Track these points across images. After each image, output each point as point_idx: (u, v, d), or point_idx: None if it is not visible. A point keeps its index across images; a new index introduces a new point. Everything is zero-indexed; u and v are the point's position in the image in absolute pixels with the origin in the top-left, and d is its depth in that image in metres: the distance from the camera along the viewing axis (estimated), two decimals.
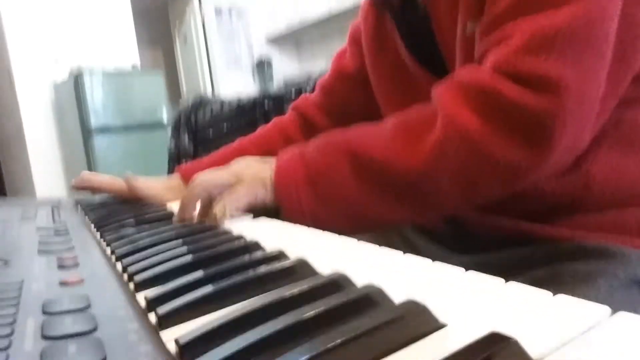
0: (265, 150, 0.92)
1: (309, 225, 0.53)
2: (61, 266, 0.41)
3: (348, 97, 0.98)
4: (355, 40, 0.96)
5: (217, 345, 0.24)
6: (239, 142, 0.99)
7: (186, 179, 0.87)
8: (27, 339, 0.27)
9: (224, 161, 0.74)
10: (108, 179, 0.90)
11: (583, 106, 0.55)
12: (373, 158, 0.61)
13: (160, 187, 0.88)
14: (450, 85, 0.61)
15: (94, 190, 0.91)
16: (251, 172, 0.65)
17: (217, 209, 0.60)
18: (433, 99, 0.62)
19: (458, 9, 0.68)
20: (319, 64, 5.49)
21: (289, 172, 0.64)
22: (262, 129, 1.02)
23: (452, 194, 0.60)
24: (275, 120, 1.04)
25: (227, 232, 0.52)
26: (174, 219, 0.64)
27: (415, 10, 0.78)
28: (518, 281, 0.29)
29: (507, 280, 0.30)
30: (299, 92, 2.24)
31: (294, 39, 6.04)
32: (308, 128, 1.00)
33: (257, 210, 0.64)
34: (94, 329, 0.27)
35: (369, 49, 0.89)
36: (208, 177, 0.65)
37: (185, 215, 0.64)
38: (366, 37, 0.90)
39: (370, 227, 0.73)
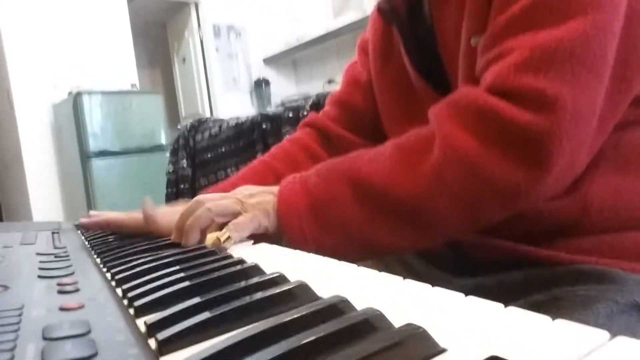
0: (292, 167, 0.89)
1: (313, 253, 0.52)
2: (61, 291, 0.41)
3: (364, 106, 0.96)
4: (364, 51, 0.96)
5: None
6: (262, 161, 0.95)
7: None
8: None
9: (255, 180, 0.73)
10: (120, 215, 0.79)
11: (579, 124, 0.55)
12: (373, 184, 0.61)
13: None
14: (446, 106, 0.61)
15: (105, 228, 0.81)
16: (254, 200, 0.65)
17: (221, 237, 0.59)
18: (430, 120, 0.62)
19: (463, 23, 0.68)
20: (316, 85, 5.52)
21: (291, 202, 0.64)
22: (279, 148, 0.99)
23: (454, 218, 0.60)
24: (291, 138, 1.01)
25: (227, 257, 0.51)
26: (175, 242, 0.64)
27: (422, 23, 0.78)
28: (517, 305, 0.29)
29: (505, 304, 0.30)
30: (296, 113, 2.25)
31: (291, 59, 6.09)
32: (327, 142, 0.98)
33: (258, 237, 0.64)
34: (94, 355, 0.27)
35: (375, 60, 0.89)
36: (212, 204, 0.64)
37: (187, 242, 0.63)
38: (373, 49, 0.90)
39: (374, 254, 0.72)
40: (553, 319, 0.27)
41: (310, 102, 2.22)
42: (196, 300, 0.35)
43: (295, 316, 0.29)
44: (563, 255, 0.65)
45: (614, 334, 0.24)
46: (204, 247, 0.58)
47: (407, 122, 0.66)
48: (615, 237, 0.64)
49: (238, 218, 0.63)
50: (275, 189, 0.66)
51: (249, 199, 0.65)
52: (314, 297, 0.35)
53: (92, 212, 0.85)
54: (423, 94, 0.79)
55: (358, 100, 0.97)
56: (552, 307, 0.59)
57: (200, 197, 0.67)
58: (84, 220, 0.82)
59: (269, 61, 6.07)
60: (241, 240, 0.62)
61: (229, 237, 0.59)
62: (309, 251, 0.53)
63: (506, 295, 0.45)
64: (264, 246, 0.60)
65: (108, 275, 0.49)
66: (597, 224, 0.64)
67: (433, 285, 0.35)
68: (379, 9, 0.88)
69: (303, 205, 0.63)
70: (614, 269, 0.61)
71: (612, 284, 0.60)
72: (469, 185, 0.57)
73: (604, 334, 0.24)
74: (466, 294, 0.32)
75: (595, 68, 0.55)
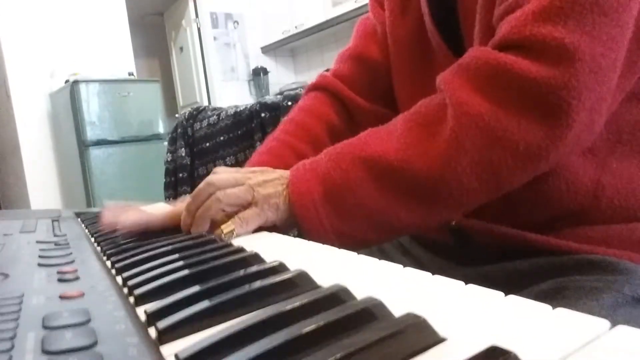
0: (312, 144, 0.84)
1: (333, 242, 0.51)
2: (61, 279, 0.41)
3: (380, 58, 0.90)
4: (380, 4, 0.91)
5: (217, 359, 0.25)
6: (280, 140, 0.86)
7: None
8: (28, 353, 0.27)
9: (275, 163, 0.71)
10: (159, 217, 0.67)
11: (599, 78, 0.52)
12: (389, 163, 0.58)
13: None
14: (456, 72, 0.59)
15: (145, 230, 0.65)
16: (266, 192, 0.62)
17: (226, 230, 0.58)
18: (439, 87, 0.60)
19: None
20: (314, 73, 5.49)
21: (303, 192, 0.61)
22: (294, 122, 0.90)
23: (475, 187, 0.57)
24: (303, 107, 0.93)
25: (227, 245, 0.51)
26: (185, 231, 0.63)
27: None
28: (521, 295, 0.29)
29: (510, 293, 0.30)
30: (295, 101, 2.24)
31: (289, 48, 6.07)
32: (344, 110, 0.91)
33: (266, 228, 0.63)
34: (94, 344, 0.27)
35: (392, 11, 0.85)
36: (222, 194, 0.62)
37: (198, 230, 0.61)
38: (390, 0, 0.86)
39: (396, 235, 0.69)
40: (554, 308, 0.27)
41: None
42: (196, 288, 0.35)
43: (295, 305, 0.29)
44: (570, 244, 0.63)
45: (617, 325, 0.24)
46: (204, 236, 0.58)
47: (418, 81, 0.63)
48: (624, 228, 0.63)
49: (245, 212, 0.61)
50: (287, 175, 0.64)
51: (261, 188, 0.63)
52: (313, 285, 0.35)
53: (107, 203, 0.73)
54: (437, 50, 0.75)
55: (374, 51, 0.91)
56: (556, 297, 0.58)
57: (213, 178, 0.63)
58: (120, 223, 0.64)
59: (267, 50, 6.04)
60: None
61: (232, 230, 0.58)
62: (328, 241, 0.52)
63: (511, 285, 0.44)
64: (264, 234, 0.60)
65: (108, 263, 0.49)
66: (607, 212, 0.63)
67: (435, 274, 0.35)
68: None
69: (317, 194, 0.60)
70: (622, 260, 0.60)
71: (619, 275, 0.58)
72: (489, 150, 0.55)
73: (604, 323, 0.24)
74: (468, 283, 0.32)
75: (617, 18, 0.52)
